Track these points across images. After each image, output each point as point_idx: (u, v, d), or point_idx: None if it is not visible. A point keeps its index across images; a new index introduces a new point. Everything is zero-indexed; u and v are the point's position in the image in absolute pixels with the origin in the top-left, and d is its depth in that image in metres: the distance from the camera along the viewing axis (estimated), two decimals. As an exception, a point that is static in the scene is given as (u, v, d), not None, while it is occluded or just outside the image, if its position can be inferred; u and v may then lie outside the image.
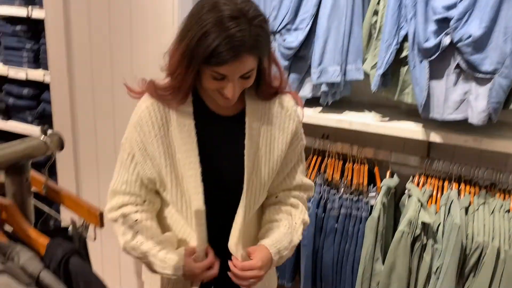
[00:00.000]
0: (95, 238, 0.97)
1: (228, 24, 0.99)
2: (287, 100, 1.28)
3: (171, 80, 1.14)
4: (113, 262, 2.29)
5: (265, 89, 1.21)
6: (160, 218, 1.30)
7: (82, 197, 2.25)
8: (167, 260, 1.14)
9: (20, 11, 2.38)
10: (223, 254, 1.23)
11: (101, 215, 0.89)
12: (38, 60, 2.50)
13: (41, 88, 2.52)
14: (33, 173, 0.98)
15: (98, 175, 2.22)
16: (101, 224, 0.90)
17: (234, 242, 1.22)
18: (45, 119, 2.52)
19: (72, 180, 2.27)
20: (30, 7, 2.35)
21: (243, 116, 1.23)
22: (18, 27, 2.45)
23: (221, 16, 1.00)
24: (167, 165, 1.17)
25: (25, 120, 2.60)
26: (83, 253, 0.85)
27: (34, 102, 2.55)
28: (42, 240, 0.85)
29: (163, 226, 1.29)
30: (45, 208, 1.03)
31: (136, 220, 1.16)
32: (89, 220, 0.91)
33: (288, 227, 1.27)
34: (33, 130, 2.53)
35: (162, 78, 1.20)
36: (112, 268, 2.30)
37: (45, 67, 2.36)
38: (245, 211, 1.22)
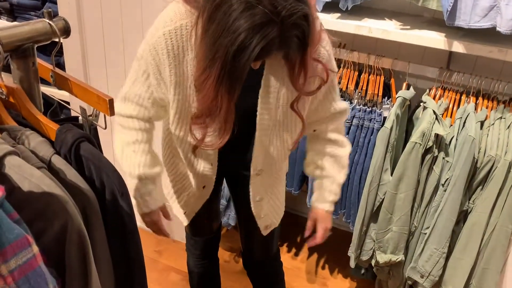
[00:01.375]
0: (105, 127, 0.95)
1: (260, 33, 0.86)
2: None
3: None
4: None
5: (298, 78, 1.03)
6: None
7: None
8: (146, 187, 1.24)
9: None
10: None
11: (111, 102, 0.86)
12: (42, -46, 2.36)
13: (46, -14, 2.40)
14: (40, 61, 0.94)
15: (106, 63, 2.17)
16: (112, 112, 0.87)
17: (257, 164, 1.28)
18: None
19: (80, 68, 2.23)
20: None
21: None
22: None
23: (252, 24, 0.85)
24: (176, 93, 1.13)
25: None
26: (94, 140, 0.84)
27: (39, 1, 2.44)
28: (52, 125, 0.84)
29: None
30: (55, 98, 1.01)
31: (136, 140, 1.22)
32: (99, 108, 0.88)
33: (334, 180, 1.38)
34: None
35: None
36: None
37: (49, -36, 2.23)
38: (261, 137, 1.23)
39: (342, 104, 1.32)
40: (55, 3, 2.21)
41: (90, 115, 0.92)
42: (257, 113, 1.18)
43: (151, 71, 1.13)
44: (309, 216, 1.44)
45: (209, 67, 0.91)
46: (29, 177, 0.68)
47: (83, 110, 0.91)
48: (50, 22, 0.87)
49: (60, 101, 1.01)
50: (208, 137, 1.09)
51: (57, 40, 0.91)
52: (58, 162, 0.76)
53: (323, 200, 1.40)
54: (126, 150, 1.22)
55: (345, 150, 1.38)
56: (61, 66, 2.39)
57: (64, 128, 0.82)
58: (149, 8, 1.96)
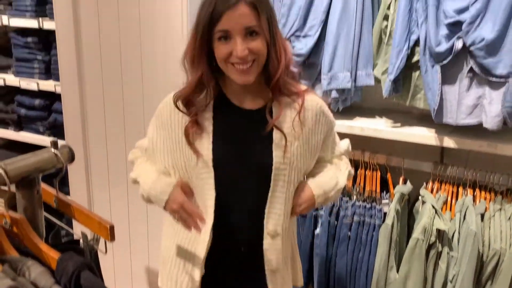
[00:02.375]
0: (106, 252, 0.96)
1: None
2: (311, 99, 1.27)
3: (191, 72, 1.19)
4: (125, 275, 2.28)
5: (276, 68, 1.17)
6: None
7: (94, 208, 2.29)
8: (160, 180, 1.22)
9: (31, 23, 2.40)
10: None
11: (111, 229, 0.88)
12: (49, 71, 2.52)
13: (53, 98, 2.53)
14: (44, 186, 0.98)
15: (109, 185, 2.22)
16: (112, 237, 0.89)
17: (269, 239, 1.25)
18: (56, 130, 2.53)
19: (84, 190, 2.28)
20: (40, 19, 2.37)
21: (269, 109, 1.23)
22: (29, 39, 2.48)
23: None
24: (178, 153, 1.22)
25: (37, 131, 2.61)
26: (95, 267, 0.84)
27: (46, 112, 2.56)
28: (53, 254, 0.85)
29: None
30: (57, 221, 1.03)
31: (145, 150, 1.32)
32: (100, 233, 0.90)
33: (334, 171, 1.36)
34: (45, 140, 2.55)
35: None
36: (124, 281, 2.30)
37: (56, 78, 2.37)
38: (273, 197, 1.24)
39: (345, 144, 1.44)
40: (61, 113, 2.32)
41: (91, 240, 0.93)
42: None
43: (157, 135, 1.27)
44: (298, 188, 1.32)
45: (192, 37, 1.13)
46: (28, 314, 0.67)
47: (84, 236, 0.92)
48: (56, 151, 0.92)
49: (61, 225, 1.03)
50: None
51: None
52: (58, 293, 0.76)
53: (318, 183, 1.31)
54: (139, 167, 1.31)
55: (346, 165, 1.43)
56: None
57: (65, 256, 0.83)
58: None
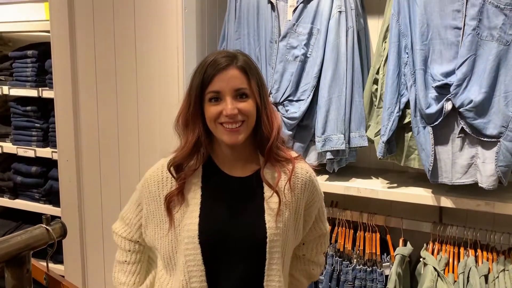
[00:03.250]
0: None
1: (216, 56, 1.15)
2: (301, 166, 1.26)
3: (185, 135, 1.20)
4: None
5: (269, 130, 1.19)
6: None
7: (88, 277, 2.22)
8: None
9: (31, 93, 2.46)
10: None
11: (102, 309, 0.85)
12: (47, 138, 2.55)
13: (49, 165, 2.54)
14: (34, 262, 0.95)
15: (104, 255, 2.17)
16: (102, 318, 0.86)
17: None
18: (52, 196, 2.52)
19: (78, 260, 2.23)
20: (40, 89, 2.43)
21: (258, 177, 1.21)
22: (29, 108, 2.53)
23: (210, 57, 1.16)
24: (165, 226, 1.20)
25: (32, 198, 2.60)
26: None
27: (42, 179, 2.56)
28: (40, 338, 0.81)
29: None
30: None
31: (125, 261, 1.31)
32: (90, 313, 0.87)
33: None
34: (40, 207, 2.53)
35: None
36: None
37: (54, 145, 2.40)
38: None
39: (327, 225, 1.42)
40: (57, 179, 2.32)
41: (81, 320, 0.90)
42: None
43: (144, 205, 1.25)
44: None
45: (186, 102, 1.17)
46: None
47: (74, 316, 0.89)
48: (48, 227, 0.91)
49: (51, 304, 0.99)
50: None
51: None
52: None
53: None
54: (117, 267, 1.33)
55: (322, 268, 1.45)
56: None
57: None
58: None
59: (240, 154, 1.22)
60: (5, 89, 2.53)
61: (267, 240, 1.16)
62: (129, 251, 1.32)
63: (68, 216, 2.23)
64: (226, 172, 1.22)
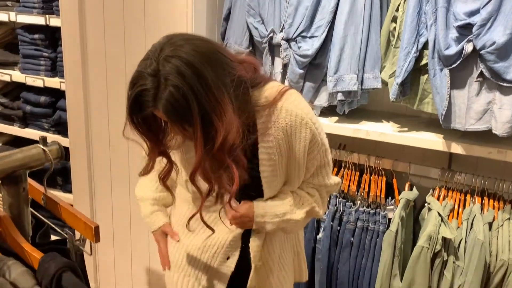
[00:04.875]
0: (91, 253, 0.93)
1: (140, 80, 1.00)
2: (294, 105, 1.18)
3: None
4: (125, 275, 2.27)
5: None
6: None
7: (96, 206, 2.27)
8: (152, 216, 1.31)
9: (38, 20, 2.40)
10: None
11: (96, 230, 0.85)
12: (55, 68, 2.52)
13: (58, 95, 2.53)
14: (33, 183, 0.95)
15: (112, 183, 2.20)
16: (97, 239, 0.86)
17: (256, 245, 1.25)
18: (61, 127, 2.53)
19: (86, 188, 2.26)
20: (47, 16, 2.37)
21: (254, 125, 1.17)
22: (36, 36, 2.48)
23: (139, 71, 1.03)
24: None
25: (41, 128, 2.61)
26: (78, 268, 0.81)
27: (51, 109, 2.56)
28: (36, 254, 0.82)
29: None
30: (45, 220, 1.01)
31: (153, 177, 1.29)
32: (85, 234, 0.87)
33: (290, 204, 1.25)
34: (49, 137, 2.54)
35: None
36: (124, 282, 2.28)
37: (62, 75, 2.36)
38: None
39: (335, 180, 1.33)
40: (65, 110, 2.31)
41: (78, 240, 0.91)
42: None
43: None
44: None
45: None
46: (3, 316, 0.65)
47: (70, 236, 0.89)
48: (44, 148, 0.89)
49: (49, 224, 1.00)
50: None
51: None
52: (38, 294, 0.73)
53: (263, 205, 1.24)
54: (142, 181, 1.35)
55: (315, 204, 1.30)
56: (68, 169, 2.44)
57: (47, 257, 0.80)
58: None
59: None
60: (12, 16, 2.46)
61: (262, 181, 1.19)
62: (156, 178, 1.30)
63: (76, 146, 2.24)
64: None
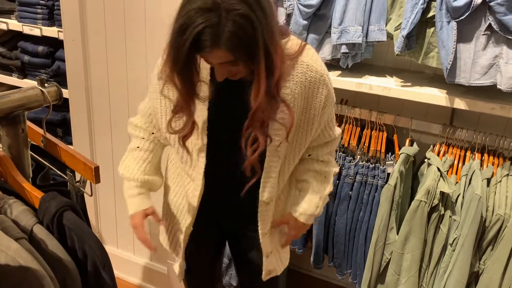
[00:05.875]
0: (91, 194, 0.94)
1: (196, 19, 0.90)
2: (314, 60, 1.17)
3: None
4: (109, 217, 2.31)
5: (255, 97, 1.01)
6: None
7: (96, 157, 2.28)
8: (133, 198, 1.23)
9: (34, -35, 2.32)
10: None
11: (96, 170, 0.85)
12: (53, 17, 2.46)
13: (56, 45, 2.48)
14: (32, 126, 0.94)
15: (112, 133, 2.20)
16: (97, 179, 0.86)
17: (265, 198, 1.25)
18: (60, 77, 2.50)
19: (86, 139, 2.26)
20: (44, -39, 2.29)
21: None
22: (32, -18, 2.40)
23: (191, 9, 0.91)
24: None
25: (40, 78, 2.58)
26: (79, 208, 0.82)
27: (49, 60, 2.53)
28: (36, 193, 0.83)
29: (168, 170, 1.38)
30: (45, 163, 1.01)
31: (138, 147, 1.28)
32: (85, 175, 0.87)
33: (316, 190, 1.33)
34: (48, 88, 2.52)
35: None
36: (108, 224, 2.32)
37: (60, 24, 2.31)
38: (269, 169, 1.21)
39: (338, 130, 1.37)
40: (64, 60, 2.28)
41: (78, 181, 0.91)
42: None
43: (153, 92, 1.22)
44: (283, 215, 1.38)
45: (165, 53, 0.97)
46: (5, 250, 0.66)
47: (70, 177, 0.90)
48: (42, 88, 0.88)
49: (50, 167, 1.00)
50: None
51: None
52: (40, 232, 0.74)
53: (302, 211, 1.34)
54: (129, 155, 1.29)
55: (333, 168, 1.38)
56: (68, 121, 2.43)
57: (48, 196, 0.80)
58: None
59: None
60: (7, -40, 2.38)
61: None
62: (143, 138, 1.30)
63: (75, 98, 2.22)
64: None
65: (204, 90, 1.12)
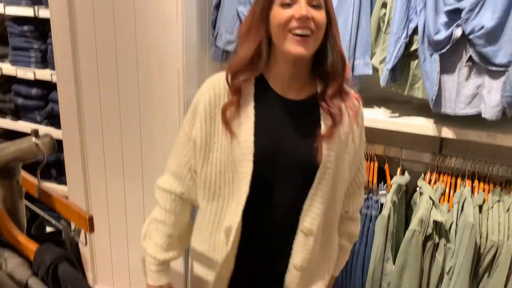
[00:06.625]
0: (86, 243, 0.95)
1: None
2: (354, 95, 1.23)
3: (243, 43, 1.12)
4: (122, 266, 2.29)
5: (336, 58, 1.11)
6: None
7: (91, 198, 2.28)
8: (154, 274, 1.26)
9: (27, 11, 2.38)
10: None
11: (90, 220, 0.86)
12: (46, 60, 2.51)
13: (49, 87, 2.52)
14: (26, 176, 0.96)
15: (106, 174, 2.21)
16: (91, 229, 0.87)
17: (299, 263, 1.19)
18: (53, 119, 2.52)
19: (81, 180, 2.27)
20: (36, 7, 2.35)
21: (314, 100, 1.16)
22: (26, 27, 2.46)
23: None
24: (210, 150, 1.15)
25: (34, 120, 2.61)
26: (74, 259, 0.82)
27: (43, 102, 2.56)
28: (31, 246, 0.83)
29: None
30: (39, 212, 1.02)
31: (162, 220, 1.25)
32: (79, 224, 0.88)
33: (347, 252, 1.40)
34: (42, 130, 2.54)
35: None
36: (121, 272, 2.30)
37: (53, 67, 2.35)
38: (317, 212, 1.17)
39: (365, 175, 1.37)
40: (58, 102, 2.30)
41: (73, 231, 0.92)
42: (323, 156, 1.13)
43: (190, 131, 1.18)
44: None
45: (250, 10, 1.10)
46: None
47: (65, 227, 0.91)
48: (37, 140, 0.90)
49: (45, 216, 1.01)
50: None
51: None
52: (35, 285, 0.75)
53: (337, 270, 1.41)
54: (151, 226, 1.27)
55: (358, 227, 1.43)
56: (62, 162, 2.44)
57: (42, 248, 0.81)
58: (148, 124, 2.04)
59: (299, 75, 1.14)
60: (0, 7, 2.44)
61: (320, 163, 1.12)
62: (168, 211, 1.26)
63: (69, 139, 2.24)
64: (279, 93, 1.15)
65: (247, 108, 1.13)
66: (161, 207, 1.26)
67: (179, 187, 1.24)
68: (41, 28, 2.47)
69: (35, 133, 0.92)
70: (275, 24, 1.07)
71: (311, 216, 1.16)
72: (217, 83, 1.15)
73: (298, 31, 1.04)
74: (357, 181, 1.32)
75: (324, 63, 1.12)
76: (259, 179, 1.12)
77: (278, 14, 1.06)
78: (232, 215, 1.15)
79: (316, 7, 1.07)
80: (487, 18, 1.53)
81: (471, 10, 1.55)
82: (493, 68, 1.57)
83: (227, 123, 1.11)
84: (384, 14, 1.79)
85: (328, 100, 1.13)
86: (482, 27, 1.53)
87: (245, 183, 1.10)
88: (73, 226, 0.94)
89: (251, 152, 1.10)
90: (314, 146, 1.12)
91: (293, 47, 1.05)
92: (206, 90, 1.16)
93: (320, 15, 1.07)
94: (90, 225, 0.87)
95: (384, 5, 1.79)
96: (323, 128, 1.14)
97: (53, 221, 1.03)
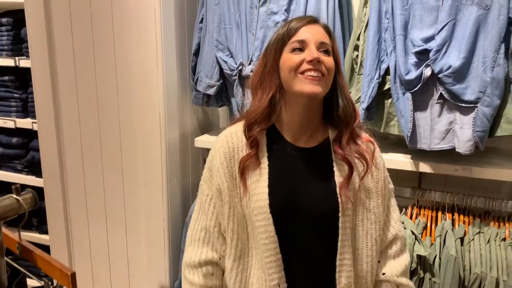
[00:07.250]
0: (69, 300, 0.93)
1: (299, 16, 1.21)
2: (367, 137, 1.25)
3: (257, 93, 1.15)
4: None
5: (346, 103, 1.15)
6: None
7: (73, 246, 2.24)
8: None
9: (8, 62, 2.41)
10: None
11: (73, 276, 0.86)
12: (27, 108, 2.51)
13: (30, 136, 2.52)
14: (7, 232, 0.95)
15: (88, 221, 2.19)
16: (74, 286, 0.87)
17: None
18: (34, 167, 2.50)
19: (62, 228, 2.24)
20: (17, 58, 2.38)
21: (325, 147, 1.17)
22: (6, 78, 2.48)
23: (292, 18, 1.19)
24: (233, 204, 1.13)
25: (14, 169, 2.58)
26: (56, 317, 0.81)
27: (23, 150, 2.54)
28: (12, 306, 0.82)
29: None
30: (20, 269, 1.01)
31: None
32: (62, 282, 0.88)
33: None
34: (22, 178, 2.52)
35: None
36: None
37: (34, 116, 2.36)
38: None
39: (401, 226, 1.29)
40: (39, 150, 2.30)
41: (55, 287, 0.91)
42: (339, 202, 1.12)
43: (212, 189, 1.16)
44: None
45: (262, 59, 1.15)
46: None
47: (46, 283, 0.90)
48: (18, 197, 0.90)
49: (25, 273, 1.00)
50: None
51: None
52: None
53: None
54: (192, 274, 1.18)
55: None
56: (43, 210, 2.40)
57: (24, 308, 0.80)
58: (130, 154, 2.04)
59: (309, 121, 1.16)
60: (-19, 59, 2.47)
61: (339, 211, 1.10)
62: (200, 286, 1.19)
63: (50, 187, 2.23)
64: (291, 142, 1.17)
65: (261, 159, 1.13)
66: (192, 284, 1.17)
67: (215, 254, 1.18)
68: (22, 77, 2.50)
69: (17, 190, 0.92)
70: (287, 68, 1.10)
71: (346, 270, 1.13)
72: (229, 137, 1.16)
73: (311, 73, 1.08)
74: (387, 235, 1.25)
75: (335, 108, 1.15)
76: (280, 232, 1.10)
77: (290, 58, 1.10)
78: (268, 271, 1.10)
79: (326, 52, 1.12)
80: (453, 58, 1.61)
81: (438, 50, 1.63)
82: (463, 105, 1.64)
83: (244, 177, 1.11)
84: (357, 56, 1.87)
85: (344, 145, 1.14)
86: (449, 67, 1.61)
87: (269, 235, 1.08)
88: (55, 282, 0.93)
89: (267, 205, 1.09)
90: (331, 194, 1.11)
91: (306, 86, 1.08)
92: (220, 145, 1.16)
93: (330, 60, 1.12)
94: (73, 282, 0.86)
95: (356, 48, 1.87)
96: (337, 175, 1.14)
97: (35, 279, 1.01)
